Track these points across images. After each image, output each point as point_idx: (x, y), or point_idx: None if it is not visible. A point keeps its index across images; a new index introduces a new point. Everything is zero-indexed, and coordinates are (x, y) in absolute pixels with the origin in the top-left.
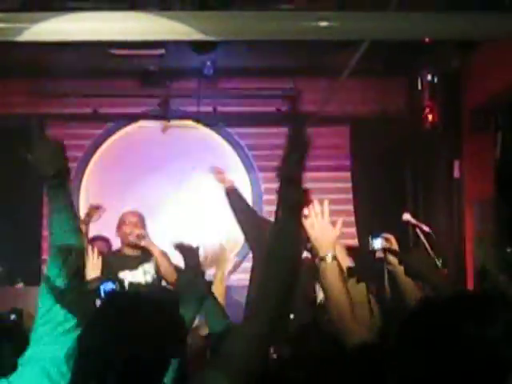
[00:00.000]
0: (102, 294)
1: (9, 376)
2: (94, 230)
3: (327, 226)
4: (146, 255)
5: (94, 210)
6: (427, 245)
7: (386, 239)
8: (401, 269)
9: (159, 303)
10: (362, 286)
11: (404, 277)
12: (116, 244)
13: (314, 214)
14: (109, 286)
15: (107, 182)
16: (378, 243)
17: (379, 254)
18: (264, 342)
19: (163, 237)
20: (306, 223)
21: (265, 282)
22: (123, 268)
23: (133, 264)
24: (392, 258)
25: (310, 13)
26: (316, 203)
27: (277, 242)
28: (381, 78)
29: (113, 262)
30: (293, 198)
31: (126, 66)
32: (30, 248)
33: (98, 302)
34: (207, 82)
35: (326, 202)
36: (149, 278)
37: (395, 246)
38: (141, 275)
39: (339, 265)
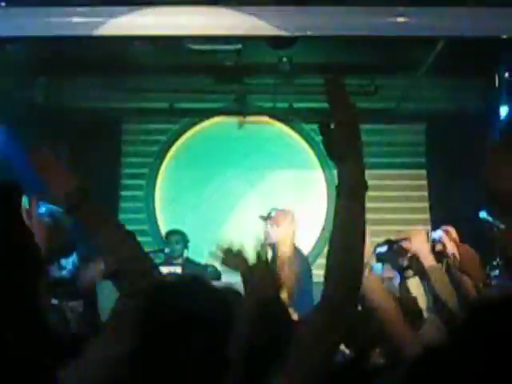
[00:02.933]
0: None
1: None
2: (167, 225)
3: None
4: None
5: None
6: (501, 244)
7: (446, 232)
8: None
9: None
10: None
11: (460, 272)
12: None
13: None
14: None
15: (182, 177)
16: (436, 235)
17: (438, 247)
18: (334, 335)
19: (238, 232)
20: None
21: (333, 275)
22: None
23: None
24: (450, 252)
25: (387, 8)
26: None
27: (340, 231)
28: (458, 76)
29: None
30: (348, 180)
31: (203, 61)
32: None
33: None
34: (283, 77)
35: None
36: None
37: (454, 239)
38: None
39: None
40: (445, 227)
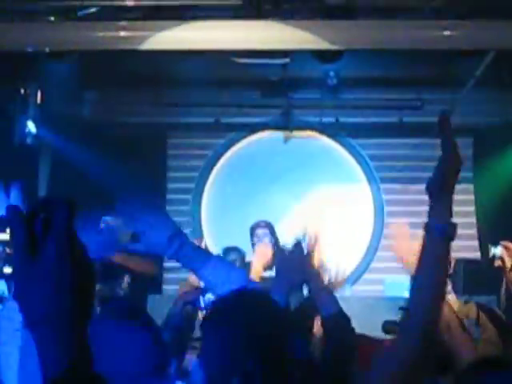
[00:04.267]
0: (202, 305)
1: None
2: (213, 239)
3: None
4: None
5: None
6: None
7: (506, 247)
8: None
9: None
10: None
11: None
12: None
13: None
14: (209, 296)
15: (229, 192)
16: (497, 251)
17: (498, 263)
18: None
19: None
20: None
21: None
22: None
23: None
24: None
25: (434, 22)
26: None
27: (428, 270)
28: (506, 89)
29: None
30: (443, 219)
31: (249, 76)
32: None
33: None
34: (330, 91)
35: None
36: None
37: None
38: None
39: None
40: (504, 243)
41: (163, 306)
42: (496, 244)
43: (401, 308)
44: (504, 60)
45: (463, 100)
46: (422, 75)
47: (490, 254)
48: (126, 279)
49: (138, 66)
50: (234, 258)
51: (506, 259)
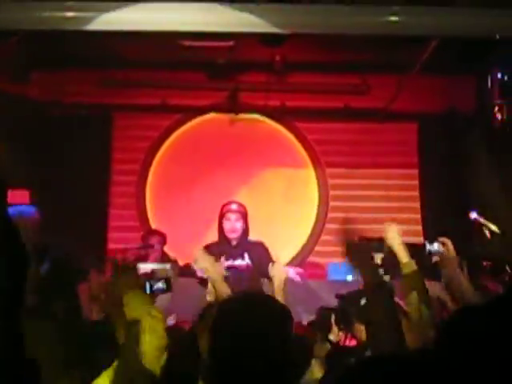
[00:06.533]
0: (148, 291)
1: None
2: (158, 221)
3: None
4: None
5: None
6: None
7: (443, 244)
8: (457, 273)
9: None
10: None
11: (460, 281)
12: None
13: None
14: (158, 285)
15: (174, 174)
16: (434, 247)
17: (435, 259)
18: None
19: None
20: None
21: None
22: None
23: None
24: (449, 263)
25: (379, 8)
26: None
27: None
28: (450, 76)
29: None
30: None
31: (195, 58)
32: (95, 238)
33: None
34: (276, 75)
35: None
36: None
37: (452, 251)
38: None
39: None
40: (441, 239)
41: None
42: (432, 240)
43: (337, 296)
44: (448, 46)
45: (408, 86)
46: (368, 60)
47: (427, 251)
48: None
49: (85, 46)
50: (153, 242)
51: (449, 254)
